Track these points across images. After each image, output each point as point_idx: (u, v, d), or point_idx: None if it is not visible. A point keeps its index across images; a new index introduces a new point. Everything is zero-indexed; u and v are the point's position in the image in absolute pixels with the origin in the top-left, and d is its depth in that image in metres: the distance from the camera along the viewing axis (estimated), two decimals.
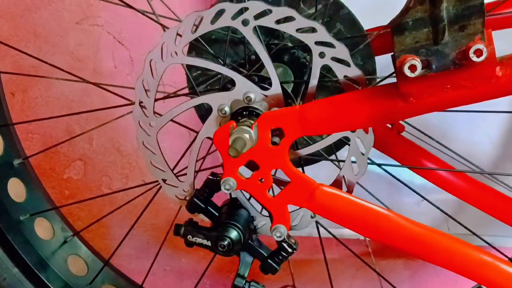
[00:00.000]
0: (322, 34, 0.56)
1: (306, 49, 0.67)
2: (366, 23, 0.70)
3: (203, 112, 0.72)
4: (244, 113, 0.58)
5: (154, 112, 0.61)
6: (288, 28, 0.56)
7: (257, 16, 0.56)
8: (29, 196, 0.79)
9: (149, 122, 0.62)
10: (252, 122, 0.56)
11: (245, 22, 0.56)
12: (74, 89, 1.14)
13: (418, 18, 0.49)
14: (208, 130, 0.61)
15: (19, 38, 1.10)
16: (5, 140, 0.77)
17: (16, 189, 0.77)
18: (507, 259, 0.73)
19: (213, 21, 0.57)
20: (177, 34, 0.58)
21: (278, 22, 0.56)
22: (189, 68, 0.72)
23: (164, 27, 0.68)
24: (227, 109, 0.59)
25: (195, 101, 0.61)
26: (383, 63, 0.69)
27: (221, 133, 0.57)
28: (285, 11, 0.55)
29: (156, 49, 0.59)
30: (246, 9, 0.56)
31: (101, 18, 1.10)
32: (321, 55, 0.57)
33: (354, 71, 0.57)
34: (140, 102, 0.61)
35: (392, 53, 0.50)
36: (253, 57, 0.69)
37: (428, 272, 1.25)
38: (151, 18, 0.72)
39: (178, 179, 0.65)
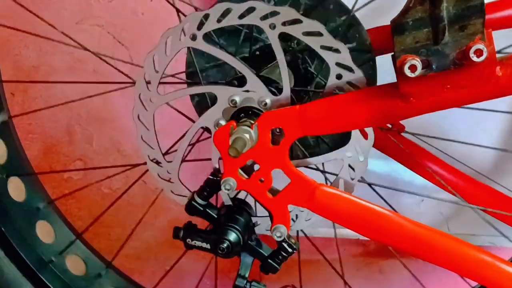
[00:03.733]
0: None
1: (311, 55, 0.68)
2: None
3: (203, 108, 0.71)
4: (244, 113, 0.59)
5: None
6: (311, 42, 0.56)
7: (285, 23, 0.56)
8: (29, 196, 0.79)
9: (150, 97, 0.61)
10: (252, 122, 0.57)
11: (272, 26, 0.56)
12: (74, 89, 1.14)
13: (418, 18, 0.49)
14: (207, 119, 0.61)
15: (19, 38, 1.10)
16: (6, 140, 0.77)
17: (16, 189, 0.77)
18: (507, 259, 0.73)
19: (241, 16, 0.57)
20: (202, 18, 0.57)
21: (304, 34, 0.56)
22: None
23: (179, 12, 0.67)
24: (238, 99, 0.59)
25: (201, 88, 0.61)
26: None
27: (221, 133, 0.57)
28: (315, 25, 0.56)
29: (176, 28, 0.58)
30: (277, 13, 0.56)
31: (101, 18, 1.10)
32: (338, 76, 0.57)
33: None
34: (145, 76, 0.61)
35: (392, 53, 0.50)
36: (257, 53, 0.68)
37: (428, 272, 1.25)
38: (168, 1, 0.70)
39: (165, 159, 0.64)
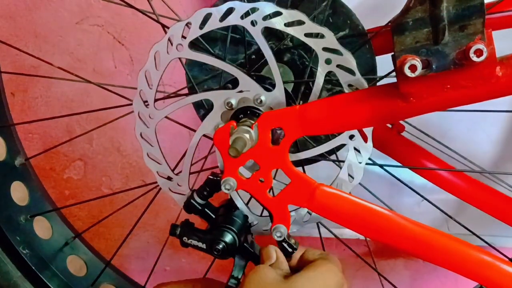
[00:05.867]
0: (331, 40, 0.56)
1: (306, 48, 0.67)
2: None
3: (204, 113, 0.72)
4: (243, 114, 0.59)
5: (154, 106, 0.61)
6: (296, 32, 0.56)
7: (266, 18, 0.56)
8: (31, 197, 0.79)
9: (148, 114, 0.61)
10: (252, 122, 0.57)
11: (253, 23, 0.56)
12: (74, 89, 1.14)
13: (418, 18, 0.49)
14: (208, 126, 0.61)
15: (19, 38, 1.10)
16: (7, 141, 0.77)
17: (17, 191, 0.77)
18: (507, 259, 0.73)
19: (222, 19, 0.57)
20: (186, 26, 0.58)
21: (286, 25, 0.56)
22: (190, 67, 0.71)
23: (164, 26, 0.67)
24: (233, 101, 0.59)
25: (196, 97, 0.61)
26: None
27: (221, 133, 0.57)
28: (296, 14, 0.55)
29: (162, 41, 0.58)
30: (256, 9, 0.56)
31: (101, 18, 1.10)
32: (328, 61, 0.57)
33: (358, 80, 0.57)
34: (141, 93, 0.61)
35: (392, 53, 0.50)
36: (253, 56, 0.69)
37: (428, 272, 1.25)
38: (151, 18, 0.72)
39: (174, 172, 0.65)
